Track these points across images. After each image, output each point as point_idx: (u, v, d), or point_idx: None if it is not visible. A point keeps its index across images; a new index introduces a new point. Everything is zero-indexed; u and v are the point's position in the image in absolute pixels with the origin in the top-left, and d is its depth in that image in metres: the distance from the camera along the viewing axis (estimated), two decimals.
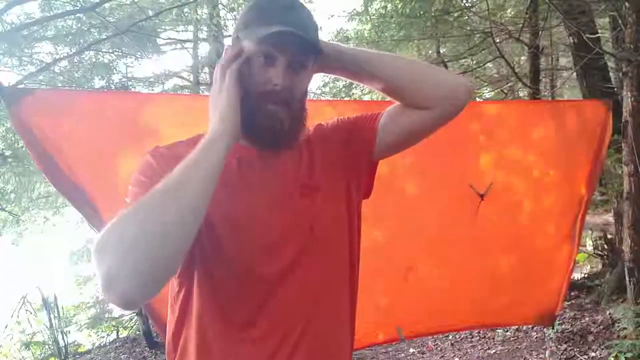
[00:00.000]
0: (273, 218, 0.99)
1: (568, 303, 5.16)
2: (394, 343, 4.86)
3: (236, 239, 0.97)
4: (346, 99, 7.36)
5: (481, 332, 5.05)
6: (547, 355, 3.88)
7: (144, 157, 0.97)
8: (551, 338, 4.34)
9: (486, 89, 8.10)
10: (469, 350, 4.77)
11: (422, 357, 4.92)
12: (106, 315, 7.32)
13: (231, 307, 0.96)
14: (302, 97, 1.02)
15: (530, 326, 4.71)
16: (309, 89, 1.07)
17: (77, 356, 6.41)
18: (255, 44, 0.94)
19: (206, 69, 8.41)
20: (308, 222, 1.01)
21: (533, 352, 4.35)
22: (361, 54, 1.06)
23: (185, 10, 6.80)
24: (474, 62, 6.97)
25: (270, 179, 1.01)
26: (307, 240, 1.01)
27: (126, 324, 7.38)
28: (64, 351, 5.69)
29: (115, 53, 6.17)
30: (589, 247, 6.24)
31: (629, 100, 3.54)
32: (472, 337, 5.04)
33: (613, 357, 3.64)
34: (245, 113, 0.94)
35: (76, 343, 6.76)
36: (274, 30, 0.90)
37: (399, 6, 6.21)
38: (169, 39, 7.79)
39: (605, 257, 5.76)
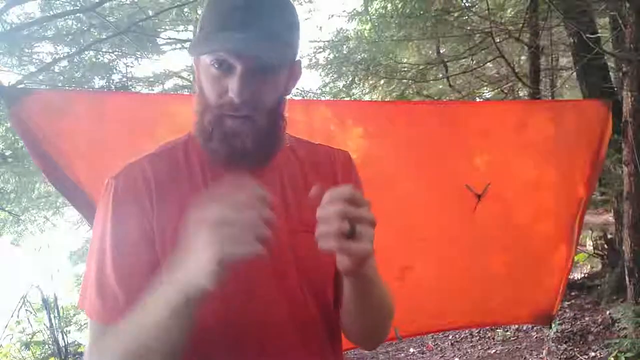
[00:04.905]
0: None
1: (568, 303, 5.16)
2: (393, 342, 4.86)
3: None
4: (346, 99, 7.35)
5: (481, 332, 5.05)
6: (544, 355, 3.88)
7: (106, 186, 0.87)
8: (551, 338, 4.34)
9: (486, 89, 8.10)
10: (469, 350, 4.77)
11: (422, 357, 4.92)
12: None
13: None
14: (275, 105, 0.86)
15: (530, 326, 4.72)
16: (289, 93, 0.91)
17: (77, 356, 6.39)
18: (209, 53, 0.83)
19: None
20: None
21: (533, 352, 4.35)
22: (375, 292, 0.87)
23: (185, 10, 6.80)
24: (474, 62, 6.95)
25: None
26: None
27: None
28: (64, 351, 5.67)
29: (115, 53, 6.17)
30: (589, 247, 6.24)
31: (629, 100, 3.53)
32: (472, 337, 5.04)
33: (613, 356, 3.64)
34: (203, 129, 0.85)
35: (76, 343, 6.75)
36: (220, 44, 0.80)
37: (399, 6, 6.21)
38: (169, 39, 7.79)
39: (605, 257, 5.76)
